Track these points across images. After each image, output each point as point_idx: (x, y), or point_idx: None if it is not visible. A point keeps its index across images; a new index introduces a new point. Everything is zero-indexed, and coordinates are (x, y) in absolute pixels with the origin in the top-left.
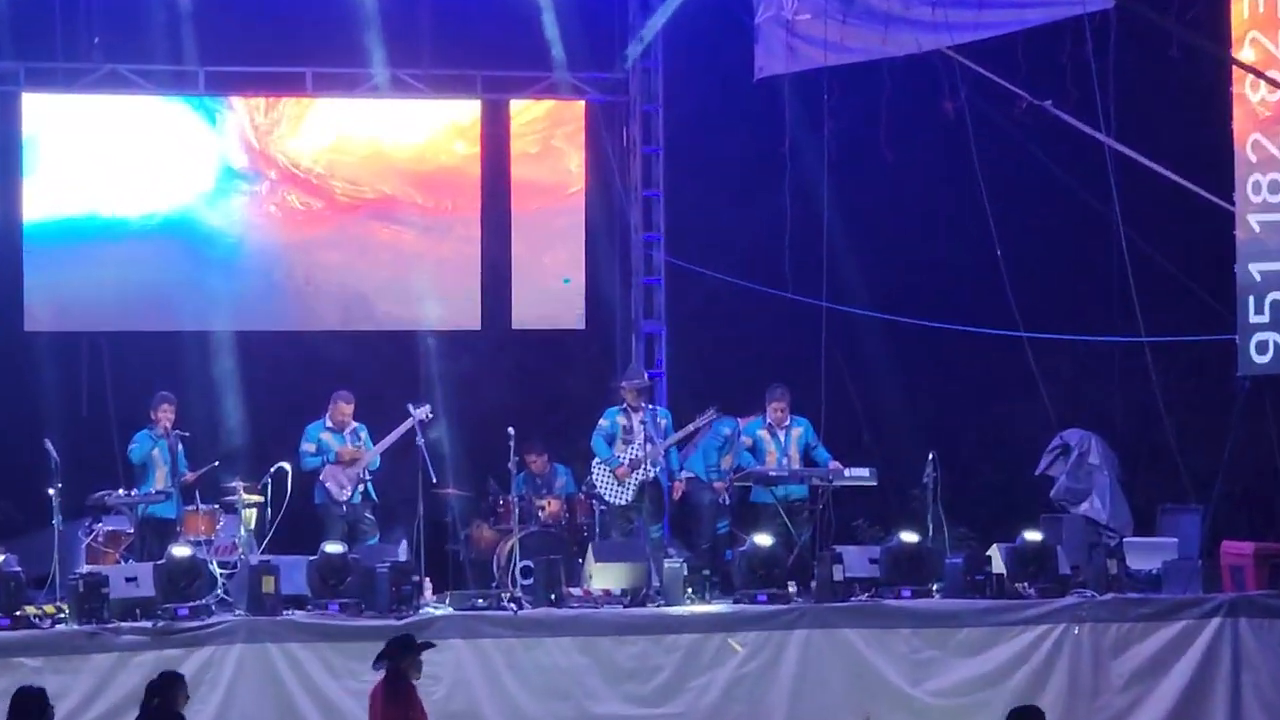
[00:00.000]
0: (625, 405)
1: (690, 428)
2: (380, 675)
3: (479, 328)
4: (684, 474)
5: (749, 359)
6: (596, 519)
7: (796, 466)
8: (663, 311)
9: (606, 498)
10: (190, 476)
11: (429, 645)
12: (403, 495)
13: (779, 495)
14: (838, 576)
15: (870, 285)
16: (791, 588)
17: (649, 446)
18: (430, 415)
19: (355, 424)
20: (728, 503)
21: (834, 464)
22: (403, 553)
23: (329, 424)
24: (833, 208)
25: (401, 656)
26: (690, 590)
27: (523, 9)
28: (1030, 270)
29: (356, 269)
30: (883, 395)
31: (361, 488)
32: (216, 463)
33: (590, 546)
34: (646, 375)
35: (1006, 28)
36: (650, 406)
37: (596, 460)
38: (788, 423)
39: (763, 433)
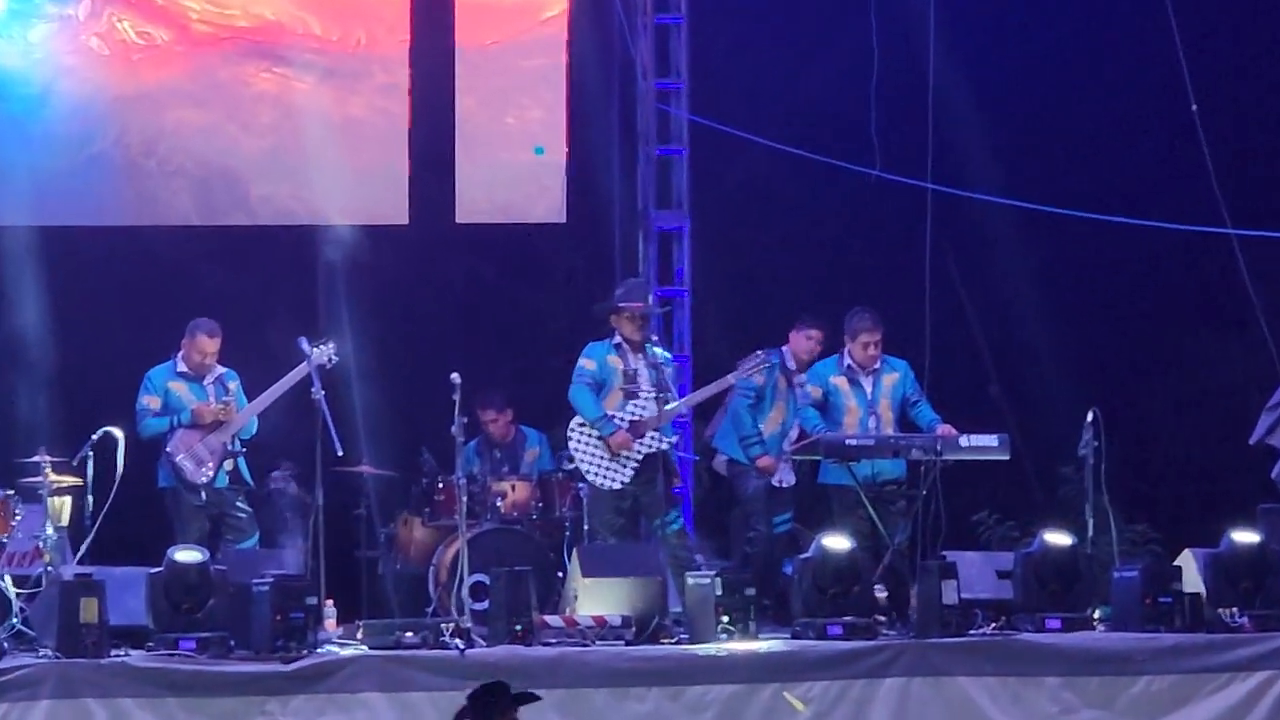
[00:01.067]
0: (620, 339)
1: (723, 382)
2: None
3: (406, 222)
4: (721, 457)
5: (812, 269)
6: (585, 510)
7: (890, 431)
8: (684, 197)
9: (593, 478)
10: None
11: (530, 698)
12: (292, 475)
13: (863, 475)
14: (949, 598)
15: (997, 161)
16: (880, 615)
17: (657, 400)
18: (334, 357)
19: (221, 370)
20: (785, 485)
21: (944, 428)
22: (292, 562)
23: (181, 369)
24: (943, 48)
25: (489, 715)
26: (727, 619)
27: None
28: (1242, 148)
29: (223, 135)
30: (1017, 324)
31: (229, 465)
32: None
33: (575, 553)
34: (655, 294)
35: None
36: (654, 342)
37: (577, 421)
38: (878, 365)
39: (838, 380)
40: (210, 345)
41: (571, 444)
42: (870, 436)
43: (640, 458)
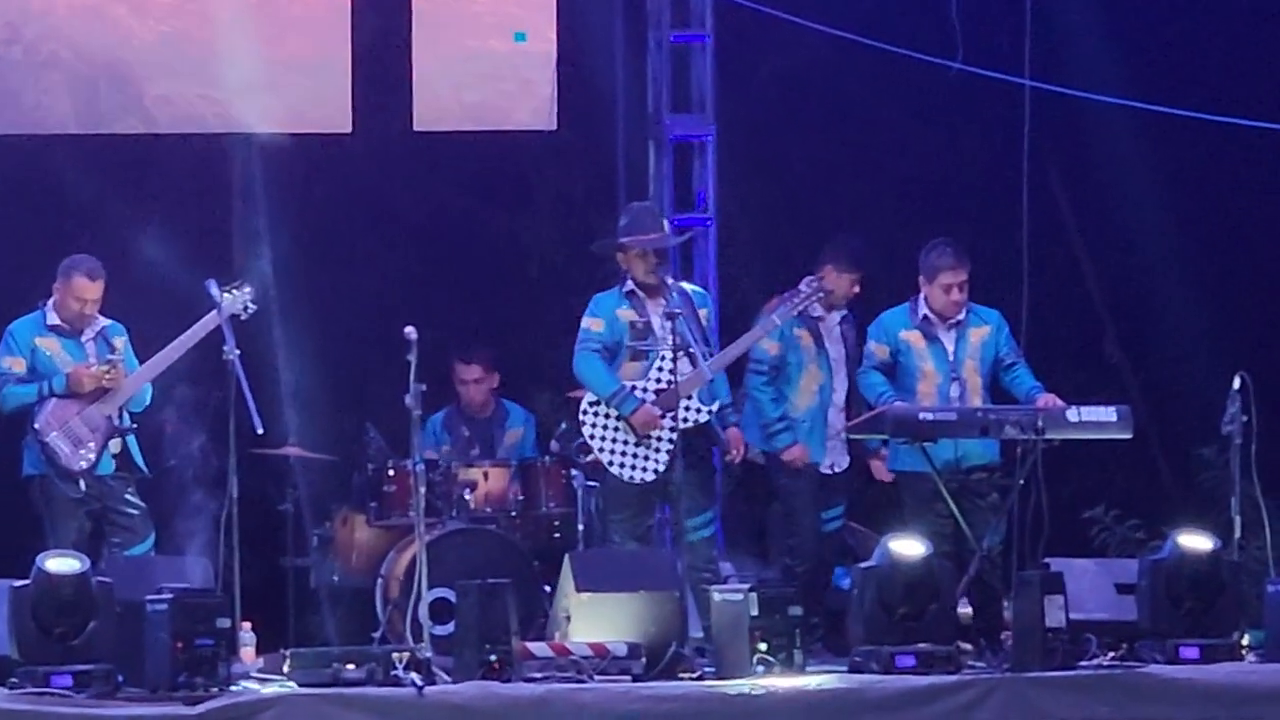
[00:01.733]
0: (631, 284)
1: (766, 325)
2: None
3: (349, 130)
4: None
5: (872, 191)
6: (580, 508)
7: (977, 401)
8: (708, 97)
9: (619, 470)
10: None
11: None
12: (200, 460)
13: (942, 460)
14: (1054, 620)
15: (1113, 51)
16: (964, 641)
17: (689, 361)
18: (252, 306)
19: (104, 322)
20: (837, 471)
21: (1047, 397)
22: (199, 573)
23: (53, 321)
24: None
25: None
26: (765, 647)
27: None
28: None
29: (109, 19)
30: (1140, 263)
31: (116, 446)
32: None
33: (567, 561)
34: (672, 223)
35: None
36: (676, 286)
37: (589, 400)
38: (963, 316)
39: (911, 335)
40: (90, 290)
41: (586, 430)
42: (951, 409)
43: (678, 437)
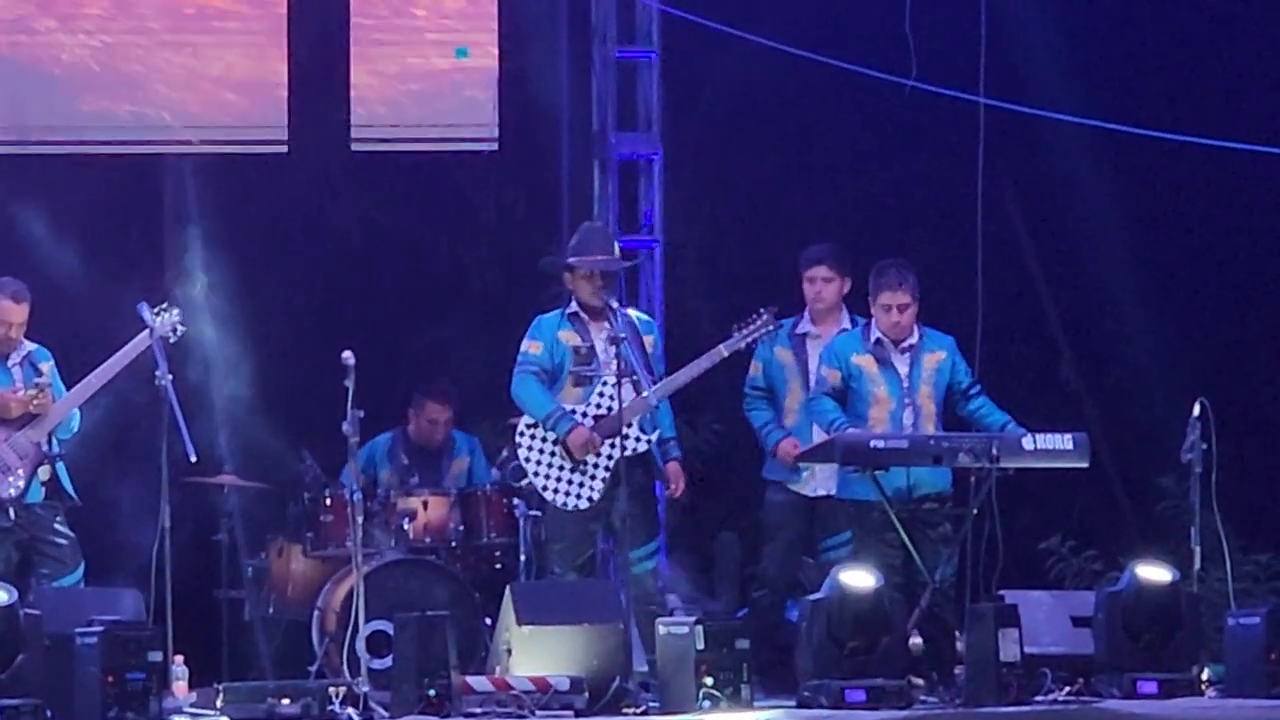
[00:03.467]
0: (575, 306)
1: (714, 355)
2: None
3: (285, 147)
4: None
5: (823, 211)
6: (523, 538)
7: (931, 428)
8: (655, 116)
9: (552, 496)
10: None
11: None
12: (131, 489)
13: (894, 489)
14: (1009, 653)
15: (1068, 68)
16: (915, 676)
17: (631, 388)
18: (183, 327)
19: (30, 346)
20: (821, 495)
21: (1003, 426)
22: (130, 606)
23: None
24: None
25: None
26: (711, 682)
27: None
28: None
29: (38, 31)
30: (1097, 285)
31: (45, 473)
32: None
33: (509, 592)
34: (619, 245)
35: None
36: (621, 311)
37: (526, 422)
38: (914, 340)
39: (863, 360)
40: (15, 313)
41: (521, 453)
42: (902, 436)
43: (615, 464)
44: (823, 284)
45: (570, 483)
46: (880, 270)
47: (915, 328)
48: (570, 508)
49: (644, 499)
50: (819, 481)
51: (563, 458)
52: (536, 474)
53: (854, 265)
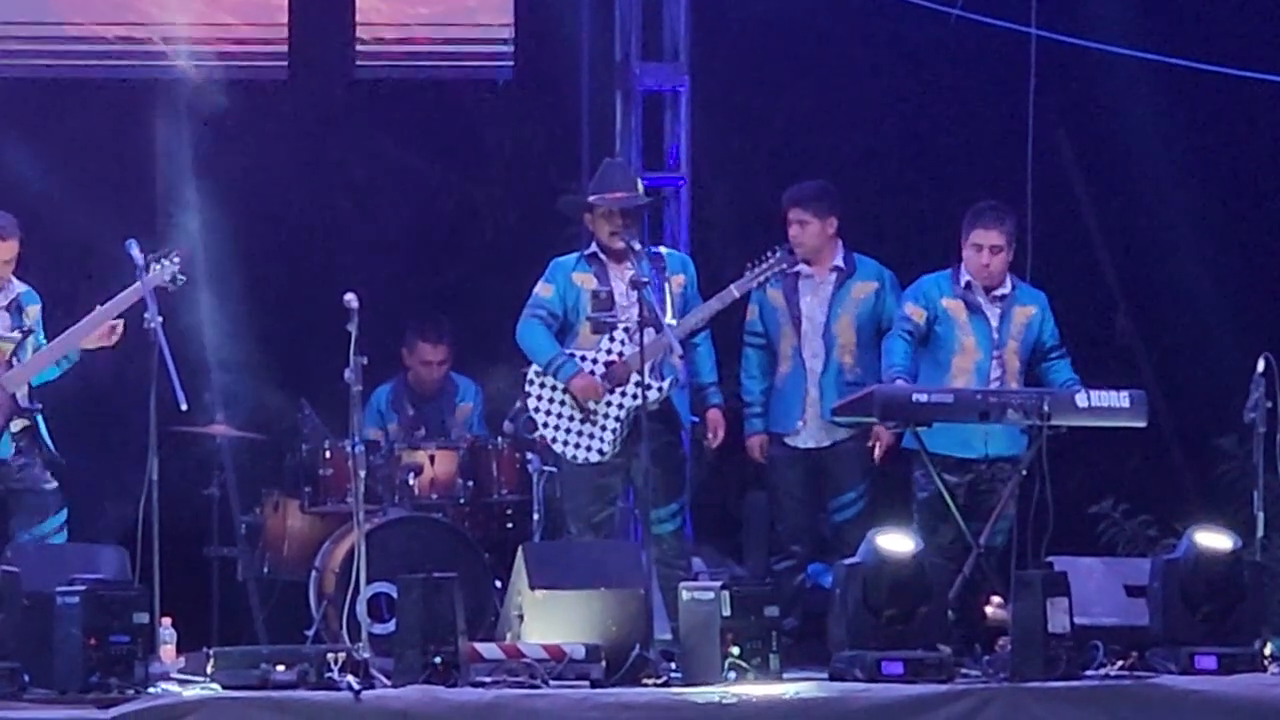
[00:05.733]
0: (594, 247)
1: (725, 296)
2: None
3: (284, 75)
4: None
5: (860, 147)
6: (536, 495)
7: (1014, 386)
8: (682, 46)
9: (560, 448)
10: None
11: None
12: (116, 440)
13: (969, 450)
14: (1057, 625)
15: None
16: (946, 647)
17: (652, 332)
18: (180, 276)
19: (20, 288)
20: (838, 446)
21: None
22: (115, 564)
23: None
24: None
25: None
26: (738, 651)
27: None
28: None
29: None
30: (1155, 230)
31: (23, 426)
32: None
33: (521, 553)
34: (642, 182)
35: None
36: (653, 249)
37: (535, 369)
38: (1006, 289)
39: (952, 304)
40: (3, 249)
41: (530, 401)
42: (947, 391)
43: (627, 415)
44: (798, 227)
45: (580, 434)
46: (977, 210)
47: (1009, 278)
48: (580, 460)
49: (665, 455)
50: (809, 433)
51: (572, 407)
52: (545, 424)
53: (839, 204)
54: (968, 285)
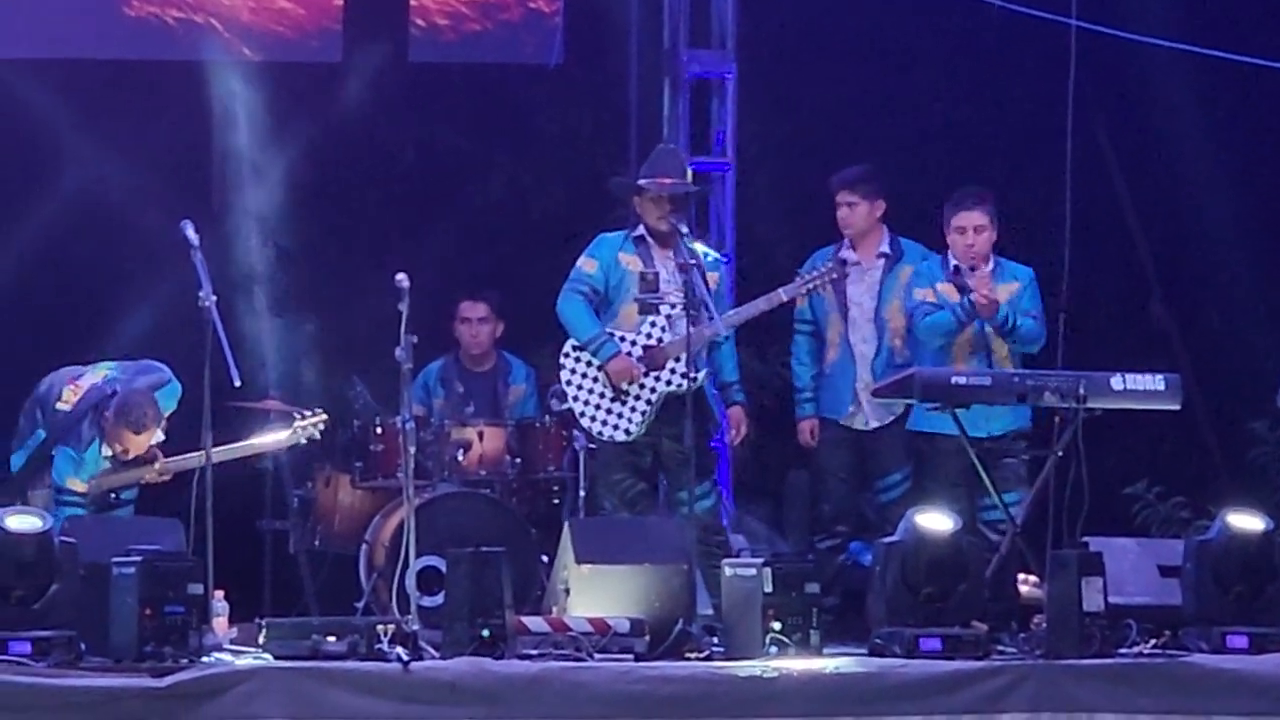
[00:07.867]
0: (640, 229)
1: (773, 298)
2: None
3: (338, 59)
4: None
5: (906, 135)
6: (582, 473)
7: (1007, 364)
8: (730, 33)
9: (589, 424)
10: None
11: None
12: (171, 414)
13: (974, 429)
14: (1091, 604)
15: None
16: (983, 625)
17: (693, 319)
18: (316, 437)
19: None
20: (874, 427)
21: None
22: (170, 536)
23: None
24: None
25: None
26: (779, 627)
27: None
28: None
29: None
30: (1192, 216)
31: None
32: None
33: (568, 529)
34: (691, 169)
35: None
36: (685, 236)
37: (571, 345)
38: (989, 267)
39: (945, 288)
40: (134, 442)
41: (564, 375)
42: (985, 373)
43: (657, 399)
44: (846, 209)
45: (609, 412)
46: (956, 198)
47: (990, 256)
48: (606, 438)
49: (695, 436)
50: (868, 414)
51: (604, 385)
52: (576, 399)
53: (886, 188)
54: (955, 269)
